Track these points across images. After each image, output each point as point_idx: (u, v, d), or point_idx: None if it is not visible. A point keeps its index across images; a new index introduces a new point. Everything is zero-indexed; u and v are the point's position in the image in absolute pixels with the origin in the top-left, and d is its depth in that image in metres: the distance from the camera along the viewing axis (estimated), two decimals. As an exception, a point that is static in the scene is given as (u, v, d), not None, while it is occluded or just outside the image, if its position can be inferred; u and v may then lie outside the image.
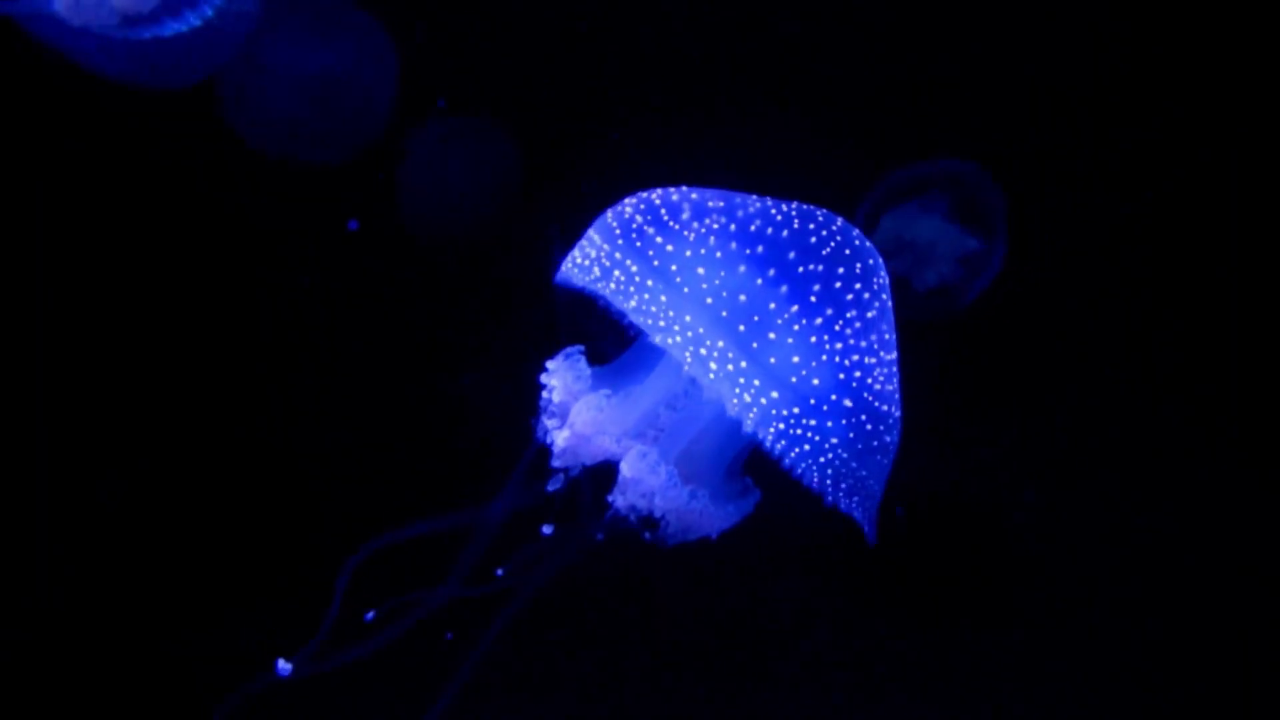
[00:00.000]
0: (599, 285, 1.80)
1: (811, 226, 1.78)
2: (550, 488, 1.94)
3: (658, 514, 1.81)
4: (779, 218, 1.79)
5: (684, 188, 1.87)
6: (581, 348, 1.93)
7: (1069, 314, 3.04)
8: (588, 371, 1.88)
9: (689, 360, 1.69)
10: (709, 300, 1.71)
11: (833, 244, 1.78)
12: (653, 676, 2.99)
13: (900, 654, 2.99)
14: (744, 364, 1.68)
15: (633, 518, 1.82)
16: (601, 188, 2.06)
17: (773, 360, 1.70)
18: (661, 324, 1.71)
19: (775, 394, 1.69)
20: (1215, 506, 3.00)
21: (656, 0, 2.98)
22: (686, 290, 1.72)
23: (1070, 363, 3.04)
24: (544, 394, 1.88)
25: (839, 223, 1.82)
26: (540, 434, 1.88)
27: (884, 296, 1.81)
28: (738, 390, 1.68)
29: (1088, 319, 3.03)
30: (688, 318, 1.70)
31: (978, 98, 2.99)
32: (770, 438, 1.69)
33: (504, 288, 3.01)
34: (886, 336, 1.81)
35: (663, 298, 1.72)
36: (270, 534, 2.97)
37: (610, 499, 1.82)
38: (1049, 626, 2.99)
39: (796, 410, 1.70)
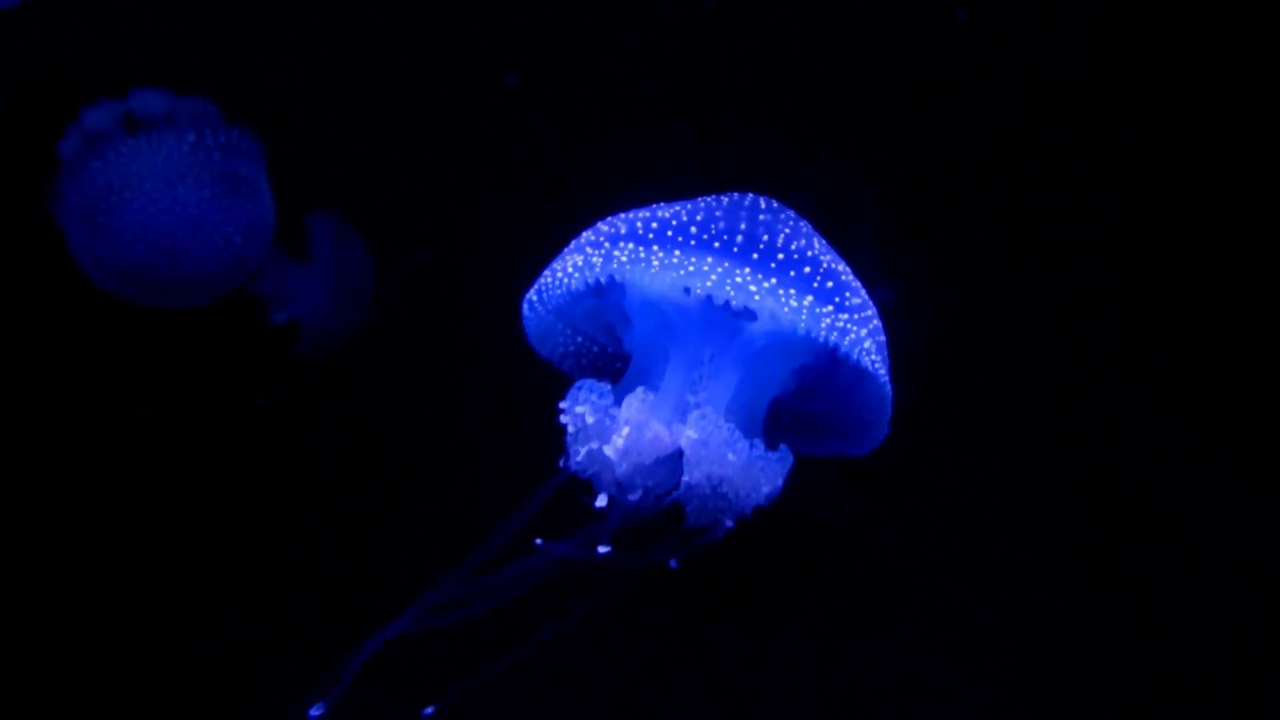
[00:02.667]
0: (600, 270, 1.85)
1: (735, 197, 1.96)
2: (602, 505, 1.99)
3: (729, 474, 1.86)
4: (711, 200, 1.96)
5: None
6: (588, 379, 1.98)
7: (1069, 314, 3.04)
8: (608, 387, 1.92)
9: (730, 293, 1.78)
10: (716, 245, 1.84)
11: (762, 199, 1.96)
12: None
13: (902, 654, 2.99)
14: (773, 280, 1.81)
15: (707, 488, 1.87)
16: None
17: (791, 274, 1.84)
18: (690, 268, 1.80)
19: (809, 299, 1.82)
20: (1215, 506, 3.00)
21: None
22: (694, 244, 1.85)
23: (1070, 363, 3.04)
24: (571, 425, 1.91)
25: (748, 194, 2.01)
26: (574, 463, 1.92)
27: (812, 229, 2.00)
28: (782, 300, 1.80)
29: (1088, 319, 3.04)
30: (710, 258, 1.82)
31: (977, 98, 2.99)
32: (826, 334, 1.81)
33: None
34: (844, 262, 1.99)
35: (677, 253, 1.83)
36: (270, 534, 2.97)
37: (684, 477, 1.87)
38: (1048, 626, 2.99)
39: (830, 308, 1.83)
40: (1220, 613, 2.97)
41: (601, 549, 1.98)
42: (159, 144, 2.52)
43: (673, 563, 2.03)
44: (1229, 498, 3.00)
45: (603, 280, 1.87)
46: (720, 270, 1.81)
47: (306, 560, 2.97)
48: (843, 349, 1.83)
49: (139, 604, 2.89)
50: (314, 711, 2.09)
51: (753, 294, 1.79)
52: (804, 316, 1.80)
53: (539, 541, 2.00)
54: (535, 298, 2.01)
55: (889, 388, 1.94)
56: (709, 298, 1.86)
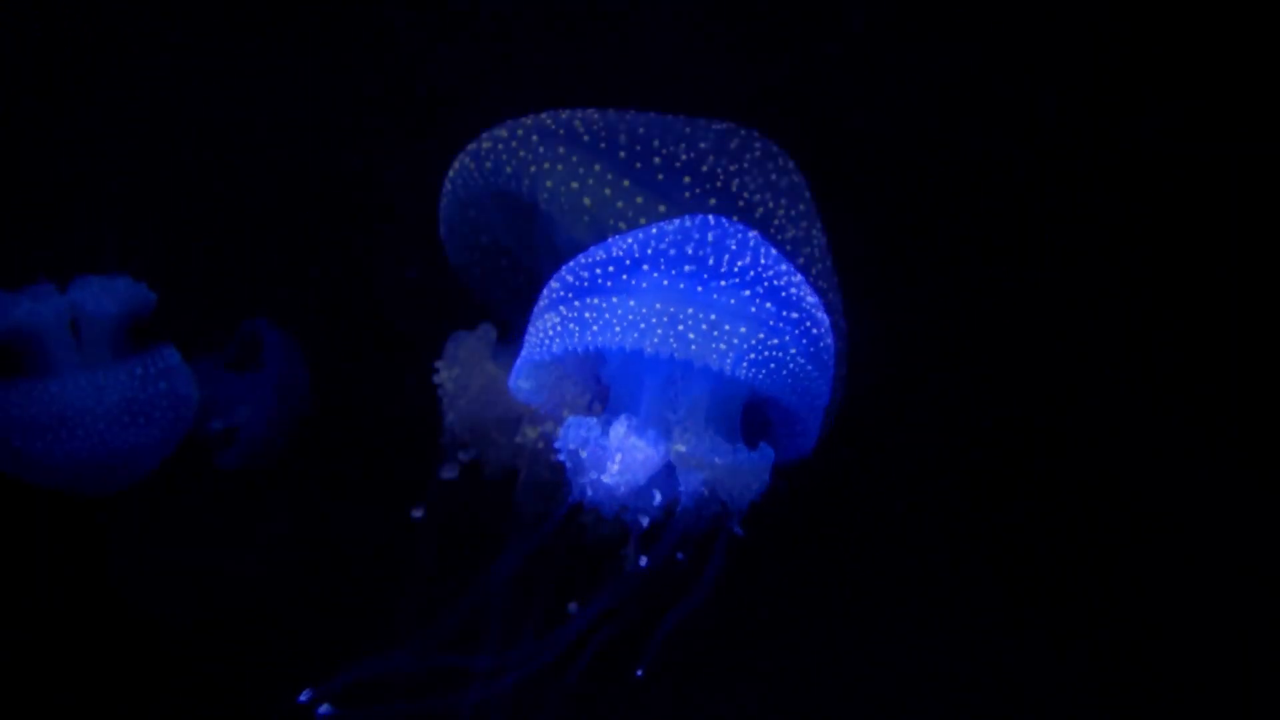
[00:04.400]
0: (576, 341, 1.99)
1: (695, 220, 2.09)
2: (593, 523, 2.13)
3: (720, 477, 2.03)
4: (661, 225, 2.09)
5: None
6: (576, 416, 2.11)
7: (1069, 313, 3.04)
8: (594, 421, 2.06)
9: (674, 346, 1.93)
10: (665, 283, 1.99)
11: (711, 218, 2.09)
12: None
13: (901, 655, 2.99)
14: (713, 316, 1.95)
15: (704, 494, 2.04)
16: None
17: (732, 302, 1.98)
18: (642, 326, 1.95)
19: (743, 329, 1.96)
20: (1215, 506, 3.00)
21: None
22: (646, 285, 1.99)
23: (1070, 363, 3.04)
24: (566, 461, 2.06)
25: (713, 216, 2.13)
26: (575, 493, 2.06)
27: (761, 238, 2.13)
28: (714, 344, 1.94)
29: (1088, 319, 3.04)
30: (658, 305, 1.96)
31: (977, 97, 2.99)
32: (748, 371, 1.96)
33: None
34: (790, 265, 2.13)
35: (631, 302, 1.98)
36: (269, 537, 2.98)
37: (680, 490, 2.04)
38: (1047, 627, 3.00)
39: (761, 335, 1.97)
40: (1220, 613, 2.97)
41: (643, 560, 2.14)
42: (105, 382, 2.45)
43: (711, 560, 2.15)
44: (1229, 498, 3.00)
45: (579, 351, 2.01)
46: (665, 319, 1.94)
47: (306, 561, 2.97)
48: (768, 390, 1.97)
49: (139, 604, 2.89)
50: (322, 710, 2.15)
51: (690, 343, 1.92)
52: (730, 362, 1.94)
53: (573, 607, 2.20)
54: (525, 359, 2.13)
55: (825, 388, 2.11)
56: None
